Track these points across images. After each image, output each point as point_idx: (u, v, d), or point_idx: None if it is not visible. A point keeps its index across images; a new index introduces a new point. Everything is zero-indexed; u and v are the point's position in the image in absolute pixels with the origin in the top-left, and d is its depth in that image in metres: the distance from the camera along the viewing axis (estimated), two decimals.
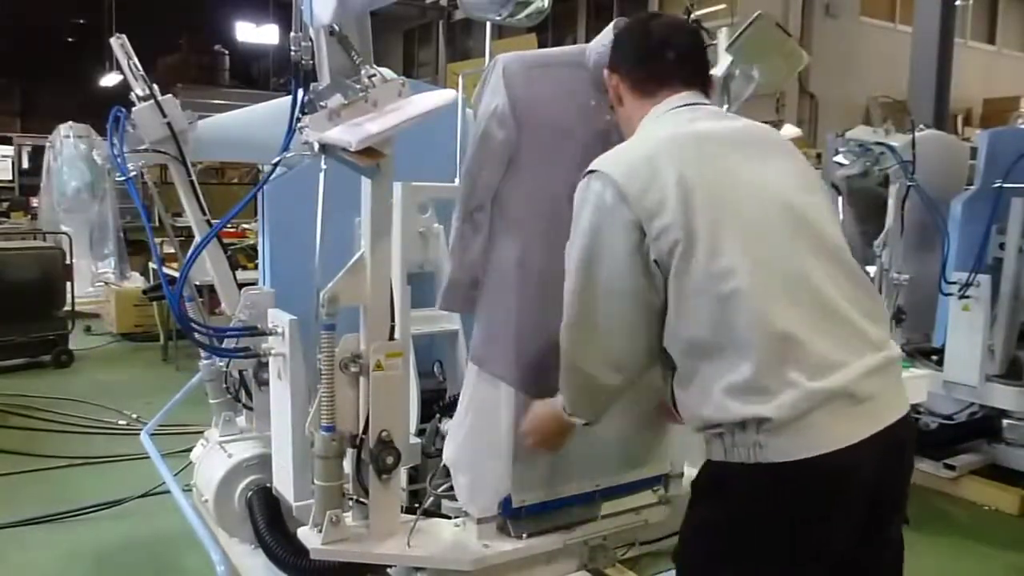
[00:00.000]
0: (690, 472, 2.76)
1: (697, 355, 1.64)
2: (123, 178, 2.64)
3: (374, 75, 2.01)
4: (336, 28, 1.99)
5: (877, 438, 1.57)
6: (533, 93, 2.17)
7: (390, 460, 2.14)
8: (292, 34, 2.01)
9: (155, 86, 2.77)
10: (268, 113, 2.98)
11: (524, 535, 2.28)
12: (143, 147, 2.71)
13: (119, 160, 2.63)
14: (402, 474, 2.56)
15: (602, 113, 2.24)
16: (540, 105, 2.18)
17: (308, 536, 2.17)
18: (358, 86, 2.00)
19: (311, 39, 2.02)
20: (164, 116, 2.71)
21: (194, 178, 2.81)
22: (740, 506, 1.62)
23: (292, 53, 2.02)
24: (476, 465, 2.25)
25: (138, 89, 2.74)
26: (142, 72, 2.74)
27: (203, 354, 2.89)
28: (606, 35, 2.19)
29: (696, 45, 1.95)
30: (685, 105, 1.85)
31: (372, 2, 2.04)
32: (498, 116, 2.14)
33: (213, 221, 2.80)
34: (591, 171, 1.74)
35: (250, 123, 3.10)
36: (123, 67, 2.75)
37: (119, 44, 2.71)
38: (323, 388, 2.10)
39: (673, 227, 1.62)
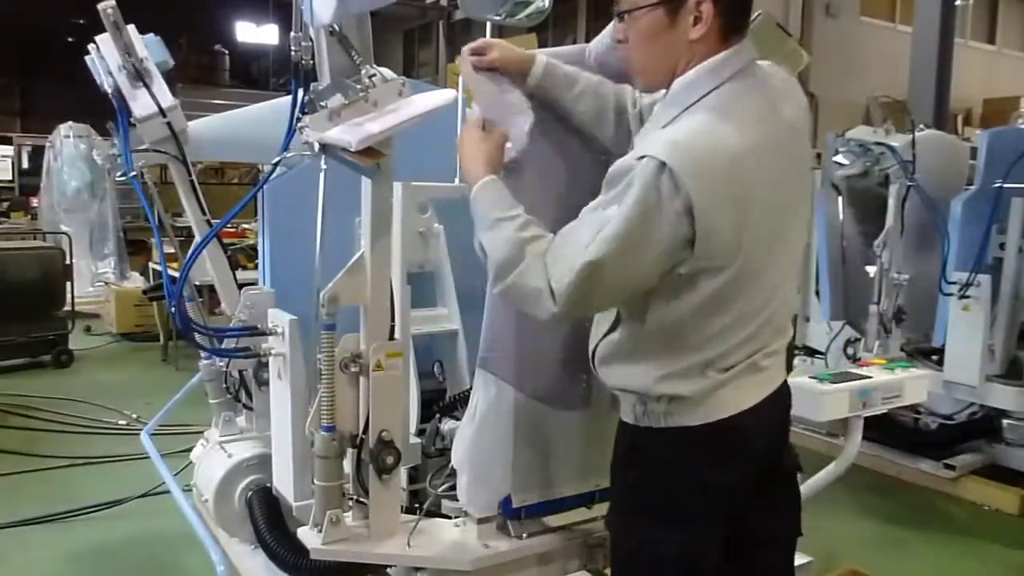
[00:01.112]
0: None
1: (665, 340, 1.70)
2: (125, 176, 2.63)
3: (374, 75, 2.00)
4: (336, 28, 1.99)
5: (769, 400, 1.76)
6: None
7: (390, 460, 2.14)
8: (292, 34, 2.01)
9: (155, 71, 2.69)
10: (263, 113, 2.97)
11: (524, 535, 2.28)
12: (143, 147, 2.70)
13: (126, 158, 2.63)
14: (402, 474, 2.56)
15: None
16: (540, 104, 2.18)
17: (308, 536, 2.17)
18: (358, 86, 2.00)
19: (311, 39, 2.02)
20: (164, 116, 2.70)
21: (194, 178, 2.81)
22: (653, 467, 1.76)
23: (292, 53, 2.02)
24: (477, 465, 2.25)
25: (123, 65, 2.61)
26: (138, 54, 2.63)
27: (203, 354, 2.89)
28: (607, 34, 2.18)
29: None
30: (749, 70, 1.68)
31: (373, 1, 2.04)
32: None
33: (213, 221, 2.80)
34: (664, 163, 1.51)
35: (246, 123, 3.09)
36: (114, 43, 2.61)
37: (109, 15, 2.53)
38: (323, 388, 2.10)
39: (720, 255, 1.59)
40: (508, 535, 2.27)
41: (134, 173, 2.66)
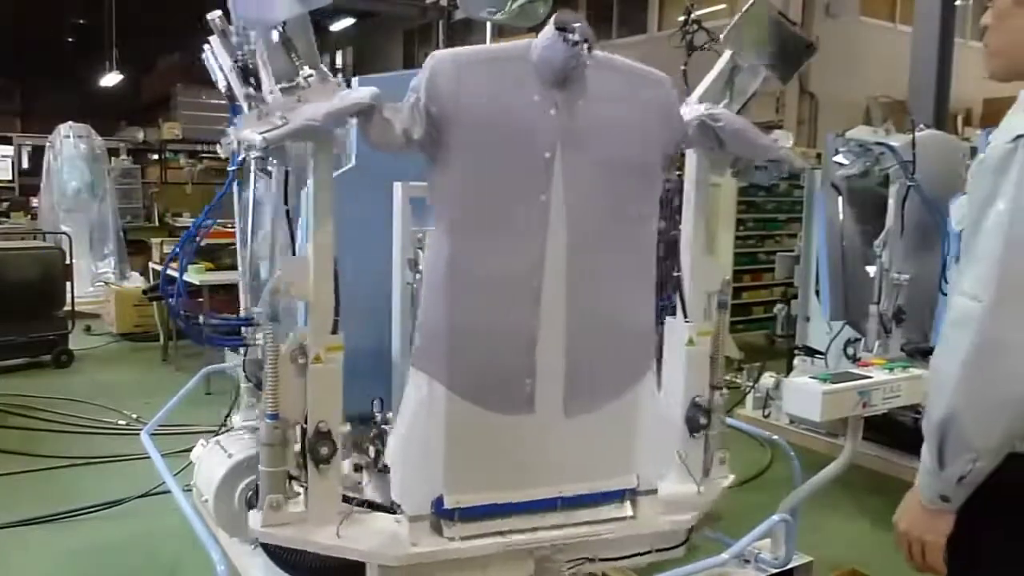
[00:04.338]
0: (668, 488, 2.54)
1: None
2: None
3: (310, 76, 2.10)
4: (281, 31, 2.08)
5: None
6: (466, 90, 2.15)
7: (325, 451, 2.21)
8: (234, 39, 2.07)
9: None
10: None
11: (457, 537, 2.24)
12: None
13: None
14: (344, 465, 2.52)
15: (547, 107, 2.18)
16: (474, 101, 2.16)
17: (253, 517, 2.26)
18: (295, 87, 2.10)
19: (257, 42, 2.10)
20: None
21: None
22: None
23: (238, 57, 2.12)
24: (410, 463, 2.25)
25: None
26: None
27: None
28: (549, 30, 2.16)
29: None
30: None
31: (307, 4, 2.09)
32: (417, 109, 2.13)
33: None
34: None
35: None
36: (224, 47, 2.43)
37: (217, 24, 2.44)
38: (267, 378, 2.18)
39: None
40: (441, 535, 2.25)
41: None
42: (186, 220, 10.78)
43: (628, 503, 2.42)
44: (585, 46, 2.12)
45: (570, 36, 2.11)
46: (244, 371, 2.98)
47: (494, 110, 2.17)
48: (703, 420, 2.63)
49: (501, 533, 2.28)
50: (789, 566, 2.98)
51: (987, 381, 1.43)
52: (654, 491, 2.47)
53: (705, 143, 2.49)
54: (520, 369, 2.24)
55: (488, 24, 2.80)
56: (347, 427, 2.34)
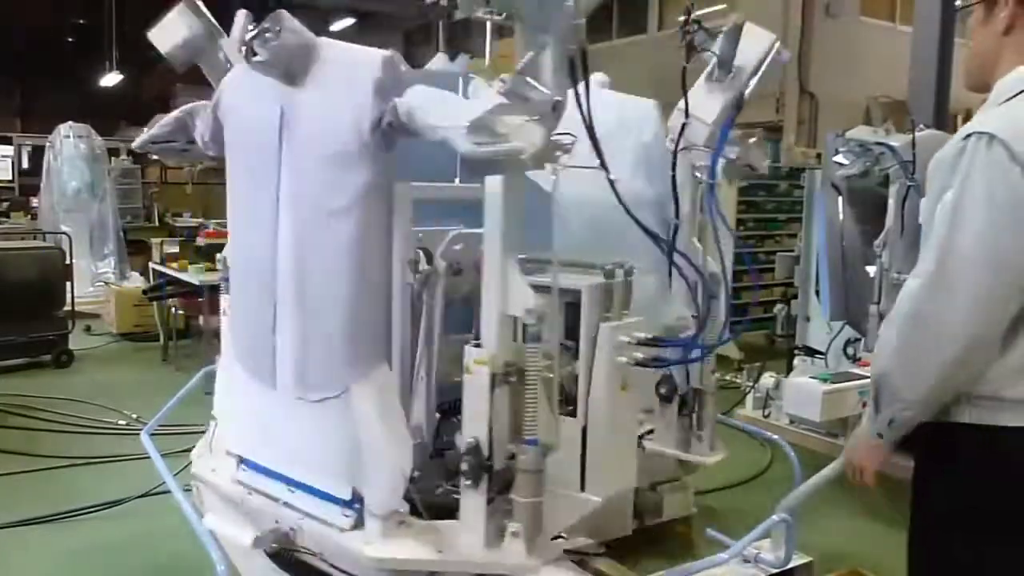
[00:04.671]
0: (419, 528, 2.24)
1: None
2: None
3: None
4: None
5: None
6: (237, 94, 2.49)
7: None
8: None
9: None
10: None
11: (235, 480, 2.64)
12: None
13: None
14: None
15: (275, 105, 2.30)
16: (237, 104, 2.48)
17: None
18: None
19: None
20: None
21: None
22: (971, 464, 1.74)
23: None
24: (220, 408, 2.76)
25: None
26: None
27: None
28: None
29: None
30: None
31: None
32: (207, 115, 2.61)
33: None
34: (974, 133, 1.57)
35: None
36: None
37: None
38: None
39: None
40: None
41: None
42: (186, 220, 10.79)
43: (350, 516, 2.22)
44: (259, 40, 2.16)
45: (248, 31, 2.22)
46: None
47: (243, 111, 2.45)
48: (467, 466, 2.08)
49: (251, 490, 2.57)
50: (789, 566, 2.98)
51: (914, 347, 1.65)
52: (383, 517, 2.19)
53: (401, 129, 2.16)
54: (264, 347, 2.43)
55: (488, 24, 2.80)
56: None
